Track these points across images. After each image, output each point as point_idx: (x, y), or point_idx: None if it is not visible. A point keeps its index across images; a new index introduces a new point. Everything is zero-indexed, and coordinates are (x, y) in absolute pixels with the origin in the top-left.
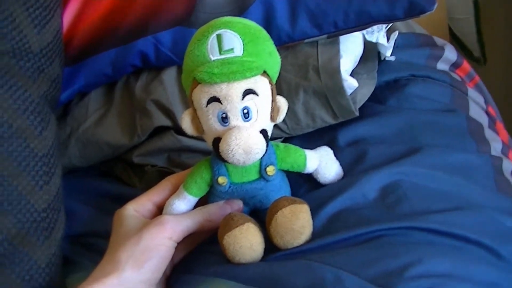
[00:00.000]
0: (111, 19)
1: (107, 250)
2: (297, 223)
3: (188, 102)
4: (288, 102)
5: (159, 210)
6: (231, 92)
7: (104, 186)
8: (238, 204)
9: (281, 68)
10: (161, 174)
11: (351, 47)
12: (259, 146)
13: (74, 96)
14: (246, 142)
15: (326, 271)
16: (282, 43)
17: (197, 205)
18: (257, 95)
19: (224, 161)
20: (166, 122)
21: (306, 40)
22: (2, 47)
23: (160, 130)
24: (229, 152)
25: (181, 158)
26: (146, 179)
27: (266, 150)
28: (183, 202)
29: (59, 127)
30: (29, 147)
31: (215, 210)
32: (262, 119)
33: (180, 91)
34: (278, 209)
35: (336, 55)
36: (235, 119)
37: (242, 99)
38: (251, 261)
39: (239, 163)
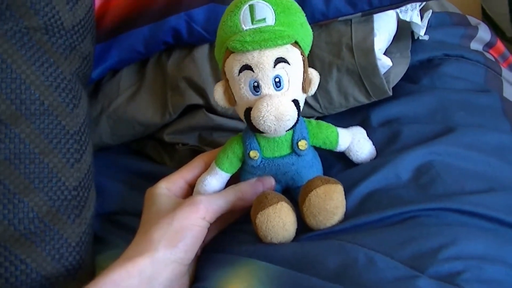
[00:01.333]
0: None
1: (139, 229)
2: (331, 203)
3: (220, 75)
4: (321, 80)
5: (191, 188)
6: (263, 59)
7: (134, 164)
8: (270, 182)
9: (314, 46)
10: (192, 153)
11: (385, 26)
12: (290, 113)
13: (105, 73)
14: (278, 109)
15: (359, 251)
16: (316, 21)
17: (228, 183)
18: (289, 64)
19: (255, 130)
20: (198, 100)
21: (340, 18)
22: (34, 24)
23: (191, 108)
24: (260, 118)
25: (213, 137)
26: (177, 157)
27: (297, 120)
28: (215, 178)
29: (90, 105)
30: (60, 124)
31: (248, 188)
32: (294, 89)
33: (212, 69)
34: (312, 188)
35: (370, 33)
36: (267, 87)
37: (274, 67)
38: (283, 241)
39: (270, 130)
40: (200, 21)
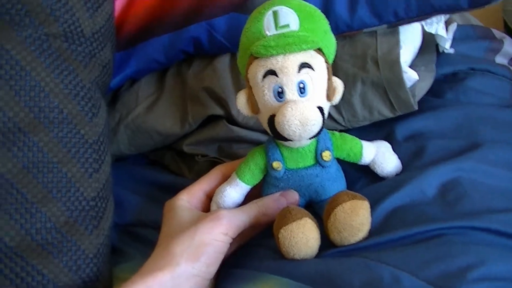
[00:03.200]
0: (164, 3)
1: (159, 241)
2: (357, 219)
3: (244, 83)
4: (345, 93)
5: (209, 199)
6: (287, 64)
7: (153, 175)
8: (294, 196)
9: (338, 58)
10: (212, 164)
11: (410, 38)
12: (315, 117)
13: (124, 82)
14: (303, 113)
15: (383, 270)
16: (340, 32)
17: (248, 196)
18: (313, 70)
19: (279, 137)
20: (218, 111)
21: (364, 30)
22: (54, 30)
23: (212, 119)
24: (285, 123)
25: (233, 149)
26: (196, 169)
27: (322, 128)
28: (235, 190)
29: (108, 114)
30: (79, 133)
31: (271, 204)
32: (318, 96)
33: (233, 79)
34: (338, 203)
35: (396, 46)
36: (291, 93)
37: (298, 72)
38: (305, 257)
39: (295, 136)
40: (221, 30)
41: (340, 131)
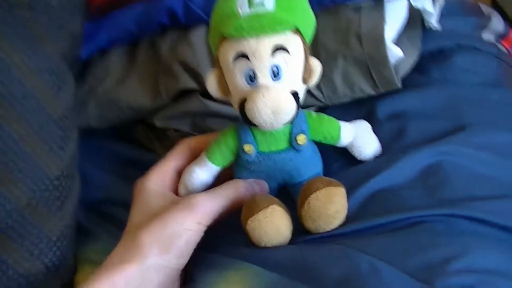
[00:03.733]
0: None
1: (126, 228)
2: (332, 207)
3: (214, 63)
4: (326, 69)
5: (179, 175)
6: (260, 47)
7: (122, 149)
8: (264, 186)
9: (320, 33)
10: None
11: (396, 13)
12: (288, 106)
13: (94, 52)
14: (275, 101)
15: (361, 259)
16: (323, 6)
17: (219, 176)
18: (288, 53)
19: (250, 124)
20: (192, 84)
21: (348, 3)
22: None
23: (185, 93)
24: (256, 111)
25: (207, 123)
26: (168, 144)
27: (297, 114)
28: (204, 171)
29: (77, 86)
30: (43, 108)
31: (247, 187)
32: (293, 80)
33: (209, 52)
34: (312, 191)
35: (381, 21)
36: (264, 77)
37: (272, 56)
38: (278, 244)
39: (266, 125)
40: (198, 1)
41: (319, 108)
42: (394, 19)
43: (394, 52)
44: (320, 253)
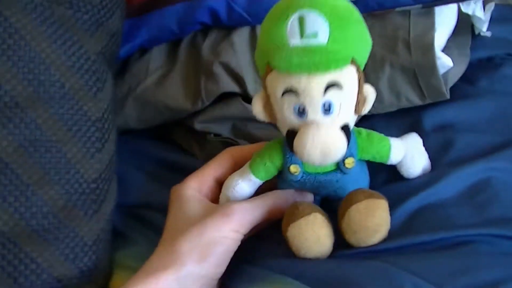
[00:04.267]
0: None
1: (164, 235)
2: (373, 220)
3: (261, 80)
4: (372, 77)
5: (219, 186)
6: (312, 86)
7: (161, 152)
8: (310, 198)
9: None
10: (224, 145)
11: (446, 20)
12: (339, 145)
13: (134, 51)
14: (325, 143)
15: (405, 279)
16: (370, 10)
17: (262, 188)
18: (341, 89)
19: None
20: (234, 88)
21: (397, 9)
22: None
23: (226, 96)
24: (304, 152)
25: (248, 128)
26: (208, 148)
27: (347, 146)
28: (247, 184)
29: (116, 85)
30: (81, 109)
31: (286, 197)
32: (345, 113)
33: (252, 55)
34: (353, 203)
35: (431, 28)
36: (314, 113)
37: (324, 93)
38: (318, 256)
39: (314, 164)
40: (241, 1)
41: (363, 116)
42: (443, 26)
43: (444, 62)
44: (360, 269)
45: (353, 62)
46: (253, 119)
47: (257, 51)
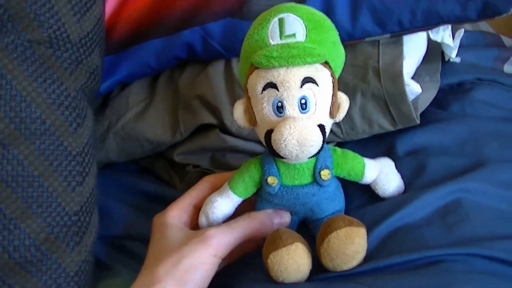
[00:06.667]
0: (157, 7)
1: (145, 263)
2: (351, 247)
3: (239, 93)
4: None
5: (198, 211)
6: (289, 77)
7: (142, 184)
8: (286, 218)
9: None
10: (203, 175)
11: (415, 48)
12: (315, 138)
13: (114, 87)
14: (301, 132)
15: None
16: (341, 41)
17: (239, 210)
18: (317, 85)
19: (276, 155)
20: (211, 119)
21: (366, 39)
22: (38, 36)
23: (204, 128)
24: (282, 142)
25: (226, 158)
26: (187, 179)
27: (322, 147)
28: (226, 202)
29: (97, 120)
30: (62, 145)
31: (264, 220)
32: (321, 113)
33: (227, 86)
34: (333, 230)
35: (399, 56)
36: (291, 109)
37: (301, 87)
38: (295, 281)
39: (291, 156)
40: (216, 36)
41: (338, 143)
42: (413, 54)
43: (413, 88)
44: None
45: (327, 65)
46: (230, 150)
47: (241, 59)
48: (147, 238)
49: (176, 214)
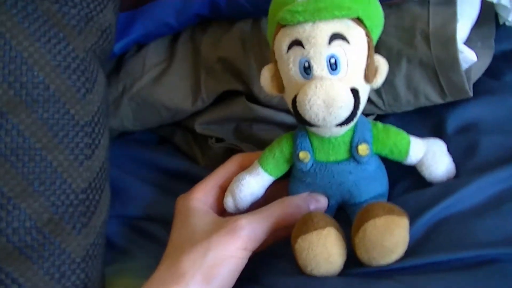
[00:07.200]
0: None
1: (167, 250)
2: (391, 239)
3: (269, 57)
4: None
5: (224, 192)
6: (316, 33)
7: (162, 159)
8: (323, 201)
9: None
10: (227, 151)
11: (468, 9)
12: (343, 99)
13: (129, 47)
14: (328, 92)
15: None
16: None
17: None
18: (348, 43)
19: (302, 121)
20: (236, 86)
21: None
22: None
23: (229, 95)
24: (306, 103)
25: (252, 130)
26: (211, 155)
27: (355, 114)
28: (255, 180)
29: (110, 84)
30: (68, 113)
31: (299, 204)
32: (353, 76)
33: (255, 49)
34: (370, 217)
35: (453, 18)
36: (320, 69)
37: (329, 44)
38: (326, 274)
39: (317, 119)
40: None
41: (378, 116)
42: (466, 17)
43: (466, 56)
44: None
45: (361, 23)
46: (258, 120)
47: (268, 17)
48: (169, 220)
49: (201, 197)
